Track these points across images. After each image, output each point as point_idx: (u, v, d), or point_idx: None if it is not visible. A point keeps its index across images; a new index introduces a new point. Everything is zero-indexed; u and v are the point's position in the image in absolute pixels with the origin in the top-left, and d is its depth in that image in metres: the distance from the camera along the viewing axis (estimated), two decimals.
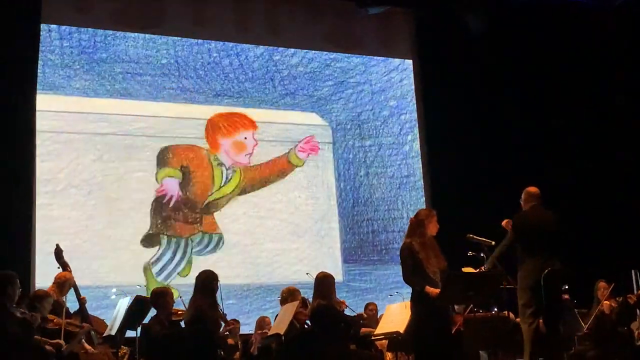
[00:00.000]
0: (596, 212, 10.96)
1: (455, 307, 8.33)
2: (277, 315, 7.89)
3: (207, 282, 7.06)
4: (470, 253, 6.98)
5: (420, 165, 11.64)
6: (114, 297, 9.39)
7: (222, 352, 7.36)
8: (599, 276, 8.53)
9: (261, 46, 11.33)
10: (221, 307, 7.22)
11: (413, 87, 11.91)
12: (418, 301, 6.77)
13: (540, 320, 7.07)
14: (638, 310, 8.02)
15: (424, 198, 11.45)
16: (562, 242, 6.99)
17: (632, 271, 8.90)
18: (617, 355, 7.95)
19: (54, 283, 7.42)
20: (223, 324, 7.19)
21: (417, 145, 11.73)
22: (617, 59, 11.58)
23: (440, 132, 11.46)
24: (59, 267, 7.58)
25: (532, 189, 7.23)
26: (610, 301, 8.20)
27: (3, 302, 6.10)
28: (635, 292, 8.45)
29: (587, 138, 11.55)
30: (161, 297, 7.46)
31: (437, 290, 6.54)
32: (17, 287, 6.25)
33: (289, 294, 7.85)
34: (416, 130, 11.78)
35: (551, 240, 6.93)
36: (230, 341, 8.25)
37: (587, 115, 11.60)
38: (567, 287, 8.14)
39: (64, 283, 7.36)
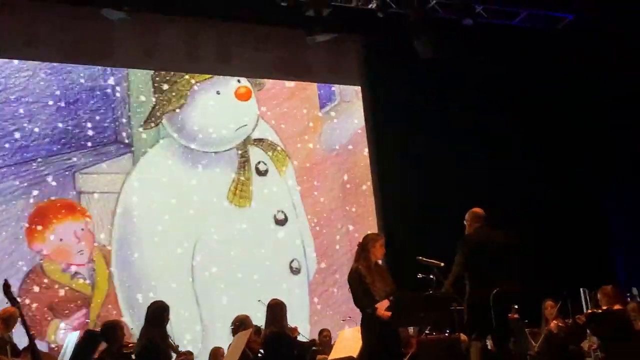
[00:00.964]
0: (544, 232, 11.11)
1: (410, 330, 8.41)
2: (229, 345, 7.83)
3: (158, 313, 6.97)
4: (420, 275, 7.02)
5: (372, 189, 11.73)
6: (63, 331, 9.28)
7: None
8: (548, 295, 8.60)
9: None
10: (172, 338, 7.14)
11: (362, 113, 12.05)
12: (368, 326, 6.83)
13: (490, 341, 7.14)
14: (588, 330, 8.08)
15: (375, 222, 11.53)
16: (511, 262, 7.06)
17: (581, 289, 9.02)
18: None
19: None
20: (174, 355, 7.11)
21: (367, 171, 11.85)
22: (562, 79, 11.80)
23: (391, 155, 11.57)
24: (7, 303, 7.39)
25: (477, 210, 7.30)
26: (557, 320, 8.26)
27: None
28: (584, 310, 8.54)
29: (535, 158, 11.73)
30: (112, 330, 7.34)
31: (389, 313, 6.60)
32: None
33: (240, 323, 7.80)
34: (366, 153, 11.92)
35: (499, 260, 6.99)
36: None
37: (535, 134, 11.80)
38: (516, 306, 8.22)
39: (9, 318, 7.18)
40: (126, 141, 10.69)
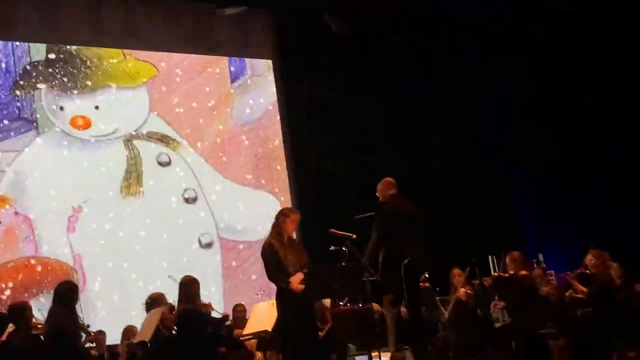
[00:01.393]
0: (455, 201, 11.34)
1: (324, 302, 8.48)
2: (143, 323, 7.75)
3: (65, 293, 6.85)
4: (332, 247, 7.07)
5: (285, 164, 11.75)
6: None
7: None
8: (457, 264, 8.79)
9: None
10: (82, 318, 7.02)
11: (274, 87, 12.02)
12: (283, 299, 6.85)
13: (403, 308, 7.28)
14: (496, 295, 8.30)
15: (289, 196, 11.56)
16: (422, 230, 7.19)
17: (489, 257, 9.25)
18: (478, 339, 8.24)
19: None
20: (84, 335, 6.98)
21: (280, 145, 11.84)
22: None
23: (302, 128, 11.60)
24: None
25: (390, 179, 7.43)
26: (465, 288, 8.46)
27: None
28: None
29: (447, 127, 11.91)
30: (20, 311, 7.17)
31: (302, 286, 6.63)
32: None
33: (154, 300, 7.73)
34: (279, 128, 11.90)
35: (411, 228, 7.12)
36: (93, 352, 8.05)
37: (445, 105, 11.98)
38: (427, 275, 8.39)
39: None
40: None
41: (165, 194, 11.05)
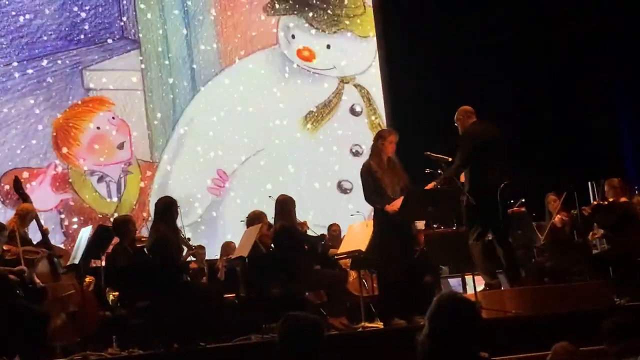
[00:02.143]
0: (554, 125, 11.07)
1: (417, 224, 8.49)
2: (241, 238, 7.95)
3: (166, 208, 7.01)
4: (427, 170, 7.05)
5: (381, 85, 11.67)
6: (75, 226, 9.44)
7: (187, 277, 7.44)
8: (555, 188, 8.61)
9: None
10: (183, 233, 7.24)
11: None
12: (379, 220, 6.93)
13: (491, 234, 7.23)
14: (594, 222, 8.14)
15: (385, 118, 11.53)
16: (507, 154, 7.07)
17: (589, 183, 9.03)
18: (574, 265, 8.15)
19: (15, 214, 7.35)
20: (186, 249, 7.22)
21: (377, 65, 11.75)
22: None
23: (399, 51, 11.45)
24: (18, 199, 7.50)
25: (467, 107, 7.22)
26: (562, 214, 8.31)
27: None
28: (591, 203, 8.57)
29: (542, 52, 11.53)
30: (123, 225, 7.44)
31: (397, 208, 6.67)
32: (5, 237, 6.24)
33: (255, 217, 7.88)
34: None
35: (499, 154, 6.99)
36: (193, 265, 8.31)
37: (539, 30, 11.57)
38: (523, 200, 8.29)
39: (25, 215, 7.28)
40: (132, 37, 10.60)
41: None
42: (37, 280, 6.75)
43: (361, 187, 6.98)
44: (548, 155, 10.48)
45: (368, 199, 6.95)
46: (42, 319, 6.36)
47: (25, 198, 7.44)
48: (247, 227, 7.83)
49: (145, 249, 7.16)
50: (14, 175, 8.58)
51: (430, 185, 6.93)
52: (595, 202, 8.05)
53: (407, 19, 11.37)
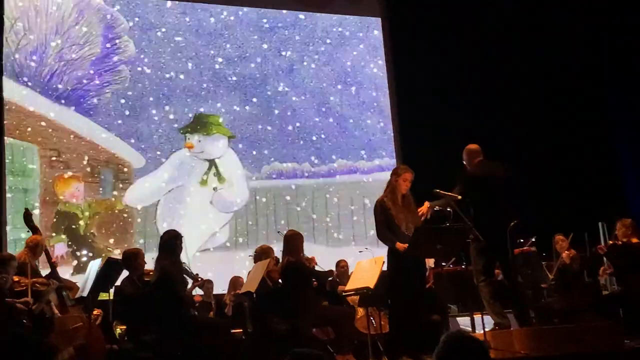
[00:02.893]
0: (560, 170, 11.06)
1: (427, 264, 8.46)
2: (248, 273, 7.95)
3: (170, 242, 7.05)
4: (436, 208, 7.03)
5: (391, 123, 11.71)
6: (84, 259, 9.44)
7: (194, 311, 7.42)
8: (565, 229, 8.60)
9: None
10: (187, 265, 7.24)
11: (382, 44, 11.95)
12: (391, 257, 6.90)
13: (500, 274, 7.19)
14: (606, 259, 8.10)
15: (394, 154, 11.53)
16: (514, 193, 7.04)
17: (599, 223, 9.00)
18: (583, 305, 8.08)
19: (25, 247, 7.39)
20: (191, 282, 7.21)
21: (387, 104, 11.78)
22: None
23: (411, 87, 11.49)
24: (28, 231, 7.53)
25: (473, 146, 7.22)
26: (569, 251, 8.28)
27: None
28: (602, 243, 8.55)
29: (550, 90, 11.56)
30: (132, 258, 7.47)
31: (406, 245, 6.66)
32: (13, 269, 6.27)
33: (262, 252, 7.89)
34: (386, 87, 11.84)
35: (504, 192, 6.97)
36: (197, 298, 8.27)
37: (544, 70, 11.62)
38: (533, 239, 8.26)
39: (36, 246, 7.31)
40: None
41: None
42: (54, 308, 6.78)
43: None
44: (556, 195, 10.45)
45: (380, 235, 6.95)
46: (49, 351, 6.33)
47: (35, 230, 7.48)
48: (255, 262, 7.83)
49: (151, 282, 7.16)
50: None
51: (424, 207, 6.92)
52: (611, 242, 8.02)
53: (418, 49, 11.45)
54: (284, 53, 11.53)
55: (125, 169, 10.41)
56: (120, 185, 10.33)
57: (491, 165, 7.14)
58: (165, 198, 10.55)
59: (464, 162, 7.22)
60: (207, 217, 10.69)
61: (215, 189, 10.76)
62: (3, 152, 9.70)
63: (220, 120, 11.04)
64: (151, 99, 10.68)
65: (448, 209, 6.89)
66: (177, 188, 10.64)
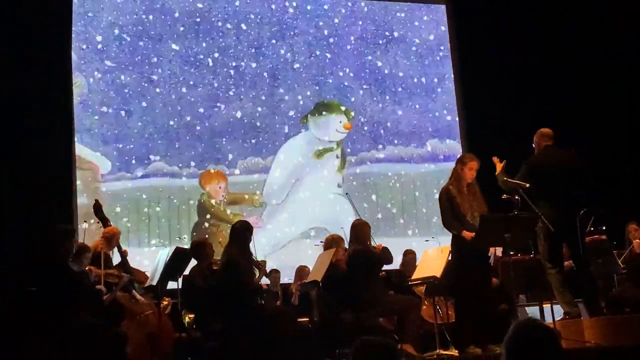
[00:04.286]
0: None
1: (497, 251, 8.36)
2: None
3: (240, 232, 7.13)
4: (504, 196, 6.95)
5: (456, 110, 11.58)
6: (153, 248, 9.61)
7: (262, 296, 7.47)
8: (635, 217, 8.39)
9: None
10: (255, 256, 7.32)
11: (447, 32, 11.82)
12: (456, 245, 6.86)
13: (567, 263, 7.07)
14: None
15: (459, 142, 11.42)
16: (583, 182, 6.90)
17: None
18: None
19: (102, 237, 7.51)
20: (258, 272, 7.27)
21: (453, 90, 11.67)
22: None
23: (476, 74, 11.34)
24: (98, 222, 7.66)
25: (545, 130, 7.14)
26: None
27: (62, 256, 6.23)
28: None
29: (623, 72, 11.25)
30: (201, 248, 7.61)
31: (473, 234, 6.62)
32: (74, 242, 6.42)
33: (332, 241, 7.90)
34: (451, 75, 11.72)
35: (570, 181, 6.85)
36: (264, 286, 8.34)
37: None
38: (604, 227, 8.08)
39: (112, 237, 7.44)
40: None
41: None
42: (137, 295, 6.94)
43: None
44: (633, 182, 10.17)
45: (446, 224, 6.92)
46: (121, 339, 6.47)
47: (105, 222, 7.59)
48: (323, 251, 7.85)
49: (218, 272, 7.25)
50: None
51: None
52: None
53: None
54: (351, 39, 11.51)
55: None
56: None
57: (560, 152, 7.02)
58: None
59: (534, 146, 7.14)
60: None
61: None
62: None
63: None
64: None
65: (516, 197, 6.81)
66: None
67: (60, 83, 9.95)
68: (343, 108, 11.26)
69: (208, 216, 10.47)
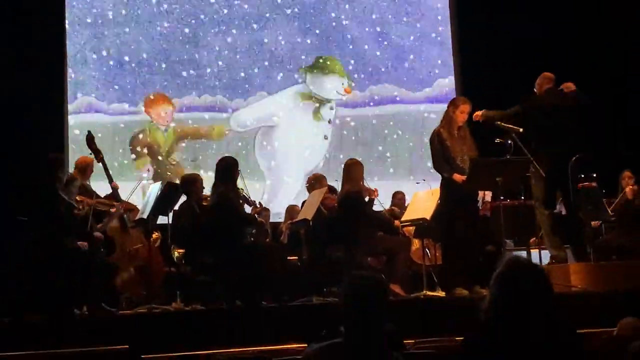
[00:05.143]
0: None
1: (486, 195, 8.40)
2: (303, 202, 7.99)
3: (227, 169, 7.08)
4: (497, 140, 6.96)
5: (451, 52, 11.48)
6: (144, 182, 9.60)
7: (252, 232, 7.48)
8: (632, 165, 8.38)
9: None
10: (245, 192, 7.32)
11: None
12: (445, 188, 6.88)
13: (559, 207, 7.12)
14: None
15: (454, 85, 11.35)
16: (580, 127, 6.92)
17: None
18: None
19: (75, 168, 7.50)
20: (249, 209, 7.27)
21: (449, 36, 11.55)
22: None
23: (474, 19, 11.21)
24: (90, 153, 7.58)
25: (547, 73, 7.14)
26: (634, 186, 8.09)
27: (53, 185, 6.20)
28: None
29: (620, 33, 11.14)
30: (191, 183, 7.56)
31: (464, 177, 6.64)
32: (65, 171, 6.38)
33: (316, 181, 7.92)
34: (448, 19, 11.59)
35: (570, 123, 6.86)
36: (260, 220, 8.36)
37: None
38: (594, 175, 8.10)
39: (85, 167, 7.38)
40: None
41: None
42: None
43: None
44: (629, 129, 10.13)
45: (436, 166, 6.92)
46: (111, 270, 6.53)
47: (97, 153, 7.49)
48: (309, 191, 7.86)
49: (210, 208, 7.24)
50: None
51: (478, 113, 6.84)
52: None
53: None
54: None
55: None
56: None
57: (559, 95, 7.01)
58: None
59: (535, 89, 7.13)
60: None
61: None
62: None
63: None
64: None
65: (509, 142, 6.81)
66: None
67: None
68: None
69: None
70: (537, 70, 7.53)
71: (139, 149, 10.37)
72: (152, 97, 10.49)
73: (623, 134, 10.31)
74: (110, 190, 7.31)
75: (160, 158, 10.41)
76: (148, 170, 10.28)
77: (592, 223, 8.14)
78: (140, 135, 10.40)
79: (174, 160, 10.43)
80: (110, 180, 7.43)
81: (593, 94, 7.33)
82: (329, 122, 10.97)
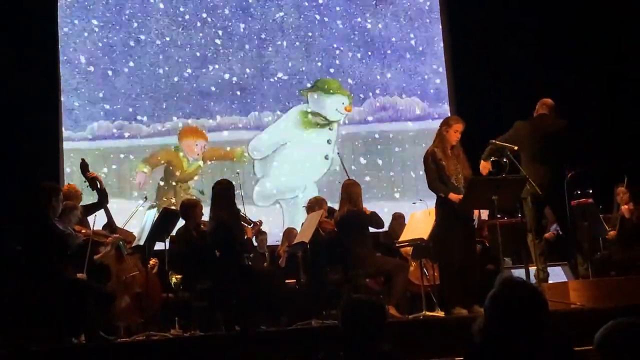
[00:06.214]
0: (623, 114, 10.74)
1: (482, 214, 8.41)
2: (302, 225, 7.98)
3: (223, 192, 7.08)
4: (492, 158, 6.96)
5: (445, 71, 11.52)
6: (141, 208, 9.58)
7: (249, 257, 7.47)
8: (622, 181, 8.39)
9: None
10: (243, 213, 7.32)
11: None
12: (441, 208, 6.87)
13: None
14: None
15: (447, 105, 11.38)
16: (567, 151, 6.95)
17: None
18: None
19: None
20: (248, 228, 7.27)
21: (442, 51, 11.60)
22: None
23: (466, 37, 11.25)
24: (84, 181, 7.54)
25: (546, 100, 7.18)
26: (629, 205, 8.11)
27: (46, 214, 6.15)
28: None
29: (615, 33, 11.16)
30: (190, 208, 7.53)
31: (460, 196, 6.63)
32: (61, 201, 6.34)
33: (315, 203, 7.92)
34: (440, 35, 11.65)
35: (553, 149, 6.90)
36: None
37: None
38: (590, 191, 8.12)
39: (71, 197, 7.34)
40: None
41: None
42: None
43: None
44: (620, 145, 10.15)
45: (431, 186, 6.92)
46: (108, 298, 6.50)
47: (92, 181, 7.42)
48: (308, 213, 7.86)
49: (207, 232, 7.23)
50: None
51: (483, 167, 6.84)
52: None
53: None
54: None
55: None
56: None
57: (548, 120, 7.06)
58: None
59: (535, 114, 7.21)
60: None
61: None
62: None
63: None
64: None
65: (504, 160, 6.81)
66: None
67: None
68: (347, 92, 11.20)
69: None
70: (531, 85, 7.56)
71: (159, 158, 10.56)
72: (187, 128, 10.67)
73: (618, 145, 10.32)
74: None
75: (171, 180, 10.54)
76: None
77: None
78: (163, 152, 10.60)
79: (186, 187, 10.47)
80: (106, 205, 7.36)
81: (588, 103, 7.34)
82: (328, 142, 10.99)
